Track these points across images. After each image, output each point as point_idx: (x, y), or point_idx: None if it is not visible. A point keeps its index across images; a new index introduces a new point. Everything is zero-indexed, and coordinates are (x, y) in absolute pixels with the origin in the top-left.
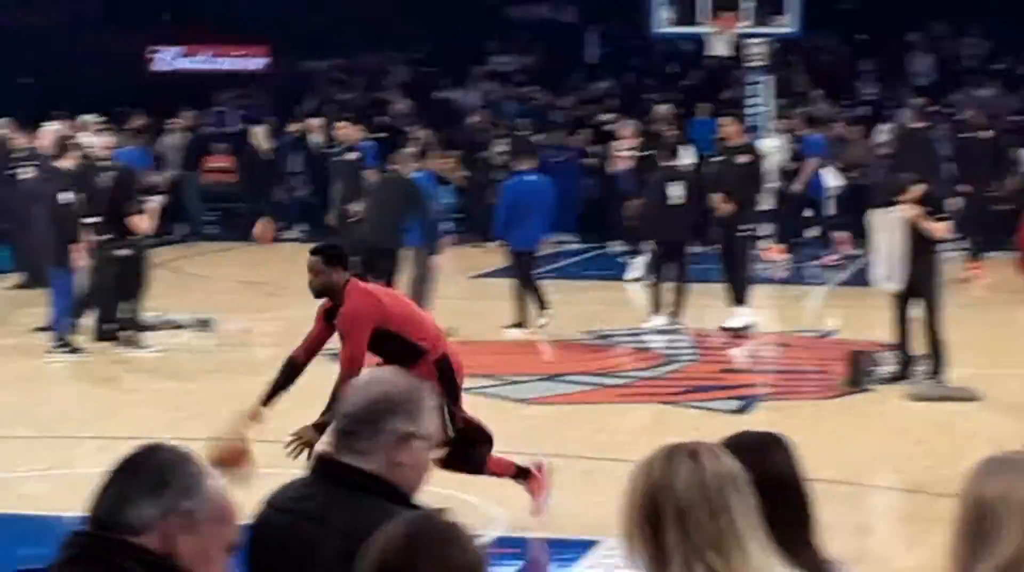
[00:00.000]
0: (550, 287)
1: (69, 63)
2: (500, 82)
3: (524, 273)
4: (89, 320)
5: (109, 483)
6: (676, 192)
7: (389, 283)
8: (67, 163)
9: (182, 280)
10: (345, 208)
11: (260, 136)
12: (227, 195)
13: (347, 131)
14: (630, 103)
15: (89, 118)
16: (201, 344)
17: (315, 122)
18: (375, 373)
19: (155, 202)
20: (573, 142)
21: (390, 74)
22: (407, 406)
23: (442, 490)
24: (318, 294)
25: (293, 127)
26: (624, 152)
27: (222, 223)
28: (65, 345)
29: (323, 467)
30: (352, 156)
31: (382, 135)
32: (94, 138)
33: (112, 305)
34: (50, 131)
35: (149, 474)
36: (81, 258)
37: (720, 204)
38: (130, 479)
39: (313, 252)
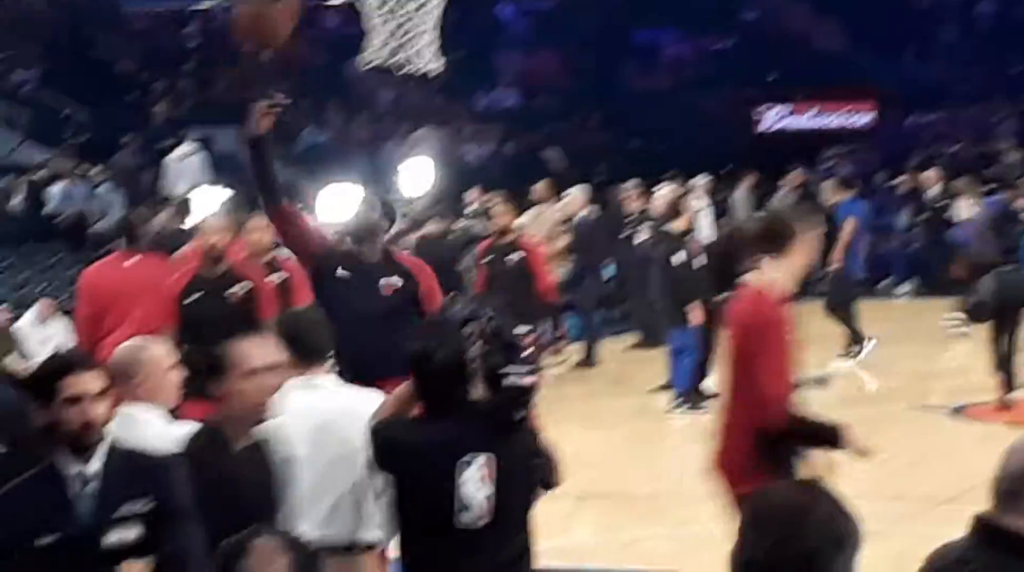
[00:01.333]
0: None
1: (679, 125)
2: None
3: None
4: (709, 378)
5: None
6: None
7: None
8: (678, 225)
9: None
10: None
11: (829, 190)
12: None
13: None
14: None
15: (699, 179)
16: (819, 400)
17: (931, 174)
18: None
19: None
20: None
21: (999, 125)
22: None
23: None
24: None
25: (901, 181)
26: None
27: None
28: (688, 402)
29: (985, 531)
30: None
31: (993, 187)
32: (702, 200)
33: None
34: (662, 194)
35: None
36: (697, 317)
37: None
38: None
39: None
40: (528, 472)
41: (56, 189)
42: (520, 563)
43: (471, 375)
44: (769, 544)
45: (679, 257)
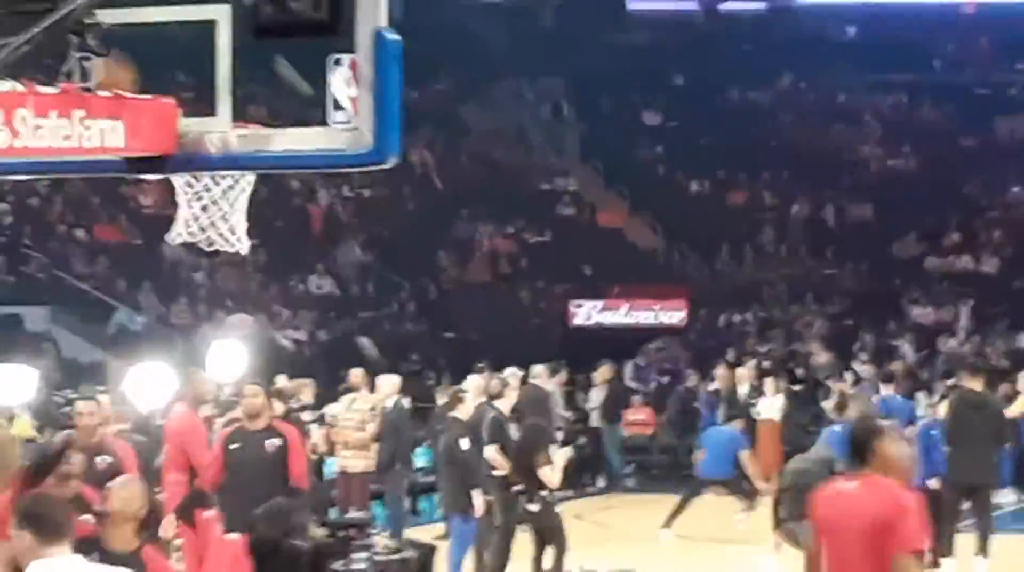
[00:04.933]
0: None
1: (494, 317)
2: (921, 334)
3: None
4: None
5: None
6: None
7: None
8: (461, 413)
9: (601, 532)
10: None
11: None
12: (645, 447)
13: None
14: None
15: (509, 372)
16: None
17: (743, 372)
18: None
19: (564, 454)
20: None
21: (810, 326)
22: None
23: None
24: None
25: (714, 381)
26: None
27: (638, 475)
28: None
29: None
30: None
31: (799, 387)
32: (510, 393)
33: (505, 558)
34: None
35: None
36: (479, 507)
37: None
38: None
39: None
40: None
41: None
42: None
43: None
44: None
45: (464, 442)
